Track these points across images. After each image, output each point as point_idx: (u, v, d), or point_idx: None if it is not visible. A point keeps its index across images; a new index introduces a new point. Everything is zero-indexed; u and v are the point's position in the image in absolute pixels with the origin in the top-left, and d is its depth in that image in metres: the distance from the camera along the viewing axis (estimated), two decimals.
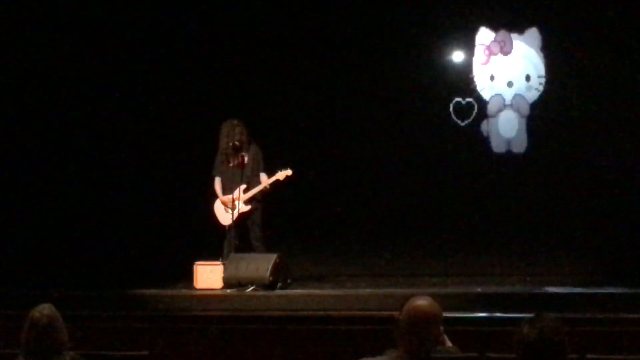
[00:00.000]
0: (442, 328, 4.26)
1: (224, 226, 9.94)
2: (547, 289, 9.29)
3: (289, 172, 9.79)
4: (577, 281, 9.76)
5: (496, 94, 11.14)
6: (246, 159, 9.86)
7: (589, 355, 5.55)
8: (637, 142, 10.66)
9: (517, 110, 11.10)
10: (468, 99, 11.07)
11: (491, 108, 11.15)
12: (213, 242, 9.98)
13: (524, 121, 11.08)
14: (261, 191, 9.87)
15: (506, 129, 11.12)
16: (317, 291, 9.39)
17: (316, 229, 10.99)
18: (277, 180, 9.82)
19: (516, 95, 11.11)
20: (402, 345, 4.16)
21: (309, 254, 10.88)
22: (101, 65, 11.15)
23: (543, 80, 11.06)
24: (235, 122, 9.92)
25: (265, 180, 9.87)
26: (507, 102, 11.15)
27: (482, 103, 11.18)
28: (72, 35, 11.12)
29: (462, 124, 11.07)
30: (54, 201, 11.07)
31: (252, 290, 9.20)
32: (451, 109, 11.06)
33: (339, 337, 7.92)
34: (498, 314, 8.11)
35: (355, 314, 8.44)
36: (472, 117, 11.06)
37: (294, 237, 10.71)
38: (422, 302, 4.24)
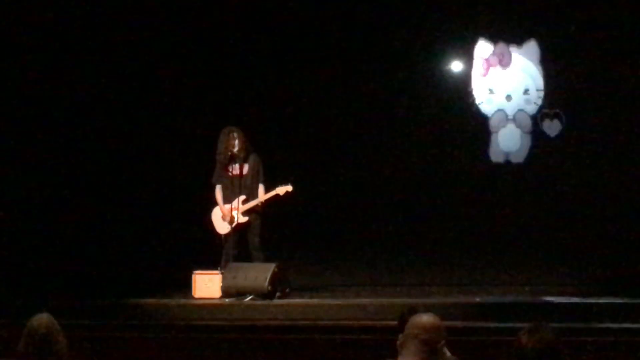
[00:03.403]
0: (443, 342, 4.28)
1: (220, 235, 9.93)
2: (545, 298, 9.30)
3: (289, 187, 9.73)
4: (575, 291, 9.76)
5: (498, 110, 11.14)
6: (245, 168, 9.81)
7: None
8: (635, 154, 10.67)
9: (520, 126, 11.10)
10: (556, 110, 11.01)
11: (493, 124, 11.15)
12: (212, 251, 9.97)
13: (525, 136, 11.08)
14: (258, 204, 9.84)
15: (507, 143, 11.12)
16: (315, 301, 9.38)
17: (315, 239, 10.98)
18: (277, 195, 9.78)
19: (518, 114, 11.11)
20: (405, 359, 4.18)
21: (307, 264, 10.87)
22: (101, 71, 11.16)
23: (542, 94, 11.06)
24: (232, 129, 9.86)
25: (263, 195, 9.83)
26: (509, 116, 11.15)
27: (481, 116, 11.18)
28: (72, 40, 11.14)
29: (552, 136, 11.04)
30: (52, 210, 11.07)
31: (250, 299, 9.20)
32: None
33: (338, 346, 7.92)
34: (496, 324, 8.12)
35: (354, 324, 8.45)
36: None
37: (292, 247, 10.70)
38: (428, 317, 4.25)
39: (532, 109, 11.11)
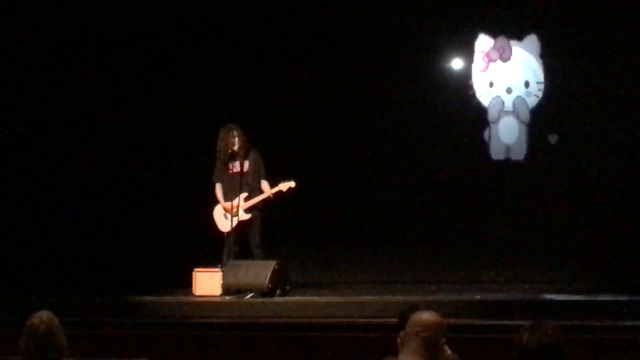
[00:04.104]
0: (443, 339, 4.27)
1: (222, 232, 9.93)
2: (546, 296, 9.30)
3: (292, 183, 9.74)
4: (576, 288, 9.76)
5: (496, 97, 11.14)
6: (246, 165, 9.82)
7: None
8: (636, 150, 10.67)
9: (518, 116, 11.11)
10: None
11: (491, 113, 11.16)
12: (212, 248, 9.97)
13: (524, 127, 11.09)
14: (262, 200, 9.84)
15: (506, 134, 11.13)
16: (316, 298, 9.39)
17: (316, 236, 10.99)
18: (280, 191, 9.78)
19: (516, 100, 11.11)
20: (405, 356, 4.17)
21: (308, 261, 10.87)
22: (101, 69, 11.15)
23: (542, 87, 11.07)
24: (232, 127, 9.87)
25: (267, 191, 9.83)
26: (507, 107, 11.16)
27: (482, 110, 11.18)
28: (72, 39, 11.13)
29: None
30: (52, 208, 11.07)
31: (251, 297, 9.19)
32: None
33: (338, 344, 7.91)
34: (497, 321, 8.11)
35: (355, 321, 8.44)
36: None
37: (293, 244, 10.70)
38: (429, 315, 4.25)
39: (531, 101, 11.12)
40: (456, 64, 11.24)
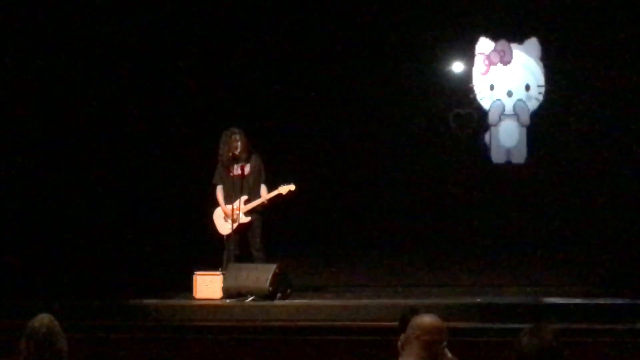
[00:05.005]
0: (444, 343, 4.28)
1: (223, 235, 9.93)
2: (546, 299, 9.30)
3: (292, 187, 9.73)
4: (576, 292, 9.76)
5: (497, 100, 11.15)
6: (247, 169, 9.82)
7: None
8: (636, 153, 10.67)
9: (518, 119, 11.12)
10: (468, 110, 11.08)
11: (492, 116, 11.17)
12: (213, 252, 9.97)
13: (524, 130, 11.10)
14: (262, 204, 9.84)
15: (506, 138, 11.14)
16: (316, 301, 9.39)
17: (316, 239, 10.99)
18: (280, 194, 9.78)
19: (517, 103, 11.12)
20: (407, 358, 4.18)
21: (308, 264, 10.87)
22: (103, 72, 11.16)
23: (542, 90, 11.09)
24: (234, 130, 9.88)
25: (265, 195, 9.82)
26: (508, 110, 11.17)
27: (483, 113, 11.19)
28: (74, 41, 11.14)
29: (462, 134, 11.09)
30: (53, 211, 11.07)
31: (251, 300, 9.19)
32: (450, 119, 11.07)
33: (339, 347, 7.92)
34: (497, 325, 8.12)
35: (355, 325, 8.45)
36: (472, 129, 11.07)
37: (294, 247, 10.70)
38: (430, 318, 4.25)
39: (532, 104, 11.14)
40: (457, 67, 11.25)
